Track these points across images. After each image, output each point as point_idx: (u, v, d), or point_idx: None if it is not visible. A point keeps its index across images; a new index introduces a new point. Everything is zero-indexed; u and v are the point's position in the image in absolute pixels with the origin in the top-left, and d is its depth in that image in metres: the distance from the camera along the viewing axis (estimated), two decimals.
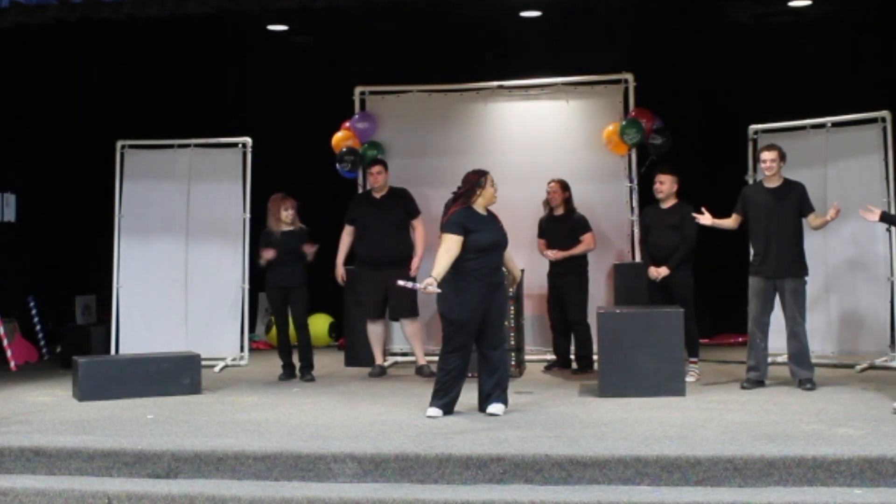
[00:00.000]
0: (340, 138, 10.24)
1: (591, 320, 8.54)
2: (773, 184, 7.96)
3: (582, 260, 9.14)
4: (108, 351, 9.89)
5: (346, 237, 9.34)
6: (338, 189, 10.20)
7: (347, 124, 10.27)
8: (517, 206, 9.31)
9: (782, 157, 7.94)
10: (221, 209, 10.13)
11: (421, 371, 8.95)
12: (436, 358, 7.27)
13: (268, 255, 8.85)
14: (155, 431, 6.48)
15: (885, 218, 7.45)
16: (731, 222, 8.14)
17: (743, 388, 7.85)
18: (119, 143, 10.24)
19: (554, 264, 9.12)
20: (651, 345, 7.54)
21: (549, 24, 10.31)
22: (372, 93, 10.42)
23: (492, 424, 6.55)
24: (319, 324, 11.12)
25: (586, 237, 9.11)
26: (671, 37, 10.88)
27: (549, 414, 6.94)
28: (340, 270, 9.35)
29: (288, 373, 8.97)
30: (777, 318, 7.97)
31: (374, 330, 9.28)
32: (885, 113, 8.94)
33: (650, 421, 6.53)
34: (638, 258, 9.24)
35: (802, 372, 7.82)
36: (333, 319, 11.25)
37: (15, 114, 10.62)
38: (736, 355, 9.21)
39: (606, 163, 9.97)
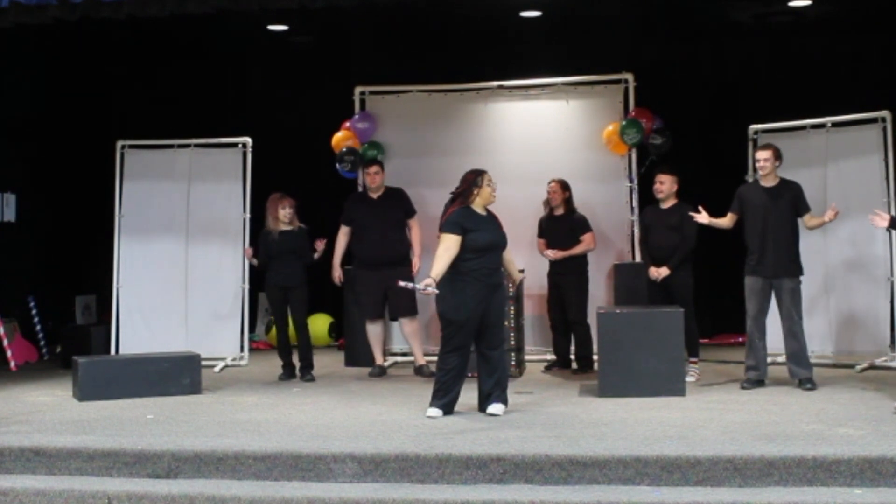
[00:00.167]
0: (340, 138, 10.24)
1: (591, 320, 8.54)
2: (769, 183, 7.96)
3: (582, 260, 9.14)
4: (108, 351, 9.89)
5: (343, 238, 9.34)
6: (338, 189, 10.19)
7: (347, 124, 10.28)
8: (517, 206, 9.32)
9: (777, 156, 7.94)
10: (221, 209, 10.13)
11: (421, 371, 8.95)
12: (435, 358, 7.27)
13: (248, 255, 9.22)
14: (155, 431, 6.48)
15: (895, 224, 7.35)
16: (726, 221, 8.15)
17: (743, 388, 7.85)
18: (119, 143, 10.24)
19: (554, 264, 9.12)
20: (651, 345, 7.54)
21: (549, 24, 10.30)
22: (372, 93, 10.42)
23: (492, 424, 6.55)
24: (319, 324, 11.13)
25: (586, 237, 9.11)
26: (671, 37, 10.88)
27: (549, 414, 6.94)
28: (338, 271, 9.34)
29: (288, 373, 8.97)
30: (774, 318, 7.98)
31: (374, 330, 9.28)
32: (885, 113, 8.94)
33: (650, 421, 6.53)
34: (638, 258, 9.24)
35: (802, 371, 7.83)
36: (333, 319, 11.26)
37: (15, 113, 10.61)
38: (736, 355, 9.21)
39: (606, 163, 9.97)
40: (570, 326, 9.12)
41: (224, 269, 10.06)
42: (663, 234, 8.47)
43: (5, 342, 10.01)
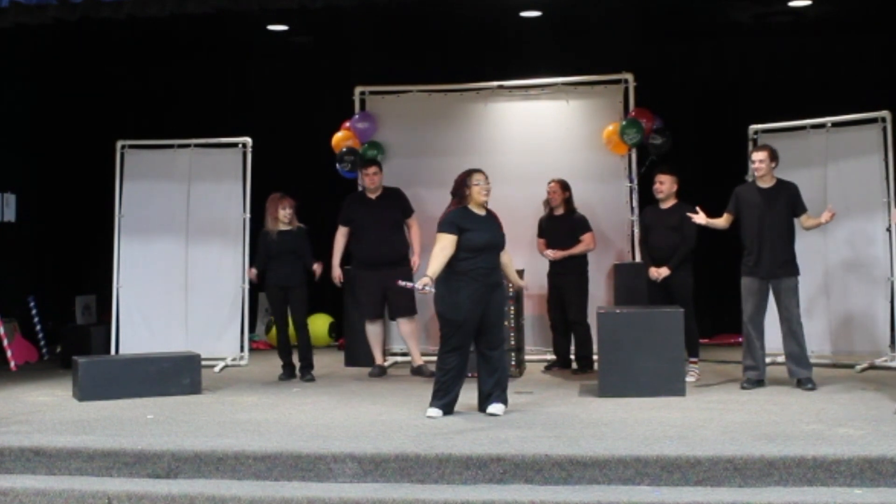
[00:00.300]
0: (340, 138, 10.24)
1: (591, 320, 8.54)
2: (765, 184, 7.97)
3: (582, 260, 9.14)
4: (108, 351, 9.89)
5: (341, 238, 9.34)
6: (338, 189, 10.19)
7: (347, 124, 10.28)
8: (517, 206, 9.33)
9: (773, 157, 7.93)
10: (221, 209, 10.13)
11: (420, 371, 8.94)
12: (434, 358, 7.27)
13: (251, 276, 9.14)
14: (155, 431, 6.48)
15: None
16: (722, 222, 8.15)
17: (743, 388, 7.85)
18: (119, 143, 10.24)
19: (554, 264, 9.12)
20: (651, 345, 7.54)
21: (549, 24, 10.30)
22: (372, 93, 10.42)
23: (492, 424, 6.55)
24: (319, 324, 11.13)
25: (586, 237, 9.11)
26: (671, 37, 10.89)
27: (549, 414, 6.94)
28: (337, 272, 9.33)
29: (288, 373, 8.97)
30: (773, 318, 7.98)
31: (373, 330, 9.28)
32: (885, 113, 8.94)
33: (650, 421, 6.53)
34: (638, 258, 9.24)
35: (801, 371, 7.83)
36: (333, 319, 11.26)
37: (15, 113, 10.62)
38: (736, 355, 9.19)
39: (606, 163, 9.97)
40: (570, 326, 9.12)
41: (224, 269, 10.06)
42: (663, 234, 8.47)
43: (5, 342, 10.01)
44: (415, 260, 9.22)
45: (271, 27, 10.83)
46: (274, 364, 9.26)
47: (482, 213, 7.02)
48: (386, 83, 10.45)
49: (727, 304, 9.62)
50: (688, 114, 10.67)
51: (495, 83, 10.24)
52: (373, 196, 9.33)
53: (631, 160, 9.90)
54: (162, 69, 11.71)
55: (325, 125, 10.41)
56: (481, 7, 9.03)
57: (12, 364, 9.94)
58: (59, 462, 6.01)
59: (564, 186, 9.20)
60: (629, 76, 9.92)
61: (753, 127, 9.59)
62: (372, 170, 9.32)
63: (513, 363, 8.65)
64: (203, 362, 8.49)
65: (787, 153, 8.06)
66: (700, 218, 8.09)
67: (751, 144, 9.50)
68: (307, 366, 8.95)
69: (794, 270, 7.90)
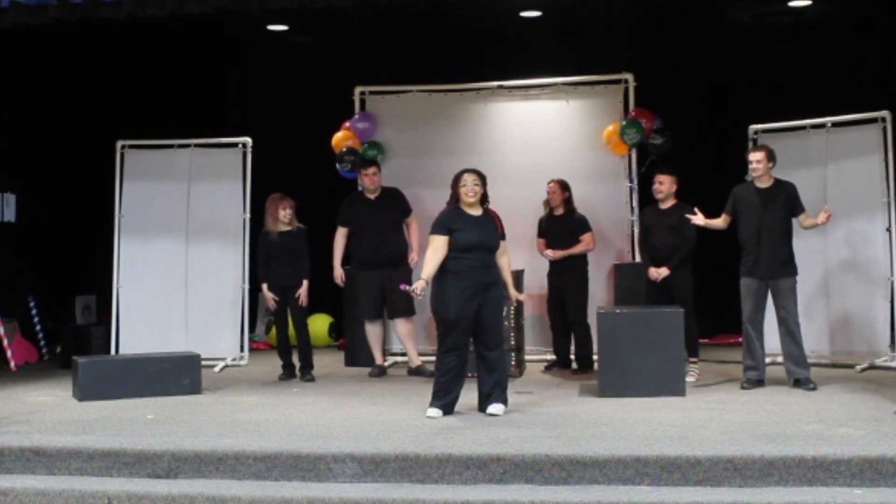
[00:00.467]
0: (340, 138, 10.25)
1: (591, 320, 8.54)
2: (763, 184, 7.96)
3: (582, 260, 9.15)
4: (108, 351, 9.89)
5: (341, 238, 9.34)
6: (338, 189, 10.19)
7: (347, 124, 10.28)
8: (517, 206, 9.33)
9: (770, 157, 7.93)
10: (221, 209, 10.13)
11: (419, 371, 8.93)
12: (432, 358, 7.27)
13: (268, 302, 8.96)
14: (155, 431, 6.47)
15: None
16: (720, 222, 8.16)
17: (743, 388, 7.85)
18: (119, 143, 10.24)
19: (554, 264, 9.12)
20: (651, 345, 7.54)
21: (549, 24, 10.30)
22: (372, 93, 10.43)
23: (492, 424, 6.55)
24: (319, 324, 11.13)
25: (586, 237, 9.11)
26: (671, 37, 10.89)
27: (549, 414, 6.94)
28: (339, 272, 9.33)
29: (288, 373, 8.97)
30: (772, 318, 7.97)
31: (373, 330, 9.28)
32: (885, 113, 8.94)
33: (650, 421, 6.53)
34: (638, 258, 9.24)
35: (800, 371, 7.83)
36: (333, 319, 11.26)
37: (15, 114, 10.61)
38: (735, 355, 9.19)
39: (606, 163, 9.97)
40: (570, 326, 9.12)
41: (224, 269, 10.06)
42: (663, 234, 8.47)
43: (5, 342, 10.01)
44: (413, 257, 9.23)
45: (271, 27, 10.84)
46: (274, 364, 9.26)
47: (476, 212, 7.03)
48: (386, 83, 10.45)
49: (727, 304, 9.60)
50: (688, 114, 10.67)
51: (495, 83, 10.24)
52: (372, 196, 9.34)
53: (631, 160, 9.90)
54: (162, 69, 11.70)
55: (325, 125, 10.41)
56: (481, 7, 9.03)
57: (12, 364, 9.94)
58: (59, 462, 6.01)
59: (564, 186, 9.20)
60: (629, 76, 9.92)
61: (753, 127, 9.59)
62: (371, 170, 9.32)
63: (513, 363, 8.65)
64: (203, 362, 8.49)
65: (787, 153, 8.07)
66: (698, 219, 8.10)
67: (751, 144, 9.49)
68: (307, 366, 8.95)
69: (792, 270, 7.90)
